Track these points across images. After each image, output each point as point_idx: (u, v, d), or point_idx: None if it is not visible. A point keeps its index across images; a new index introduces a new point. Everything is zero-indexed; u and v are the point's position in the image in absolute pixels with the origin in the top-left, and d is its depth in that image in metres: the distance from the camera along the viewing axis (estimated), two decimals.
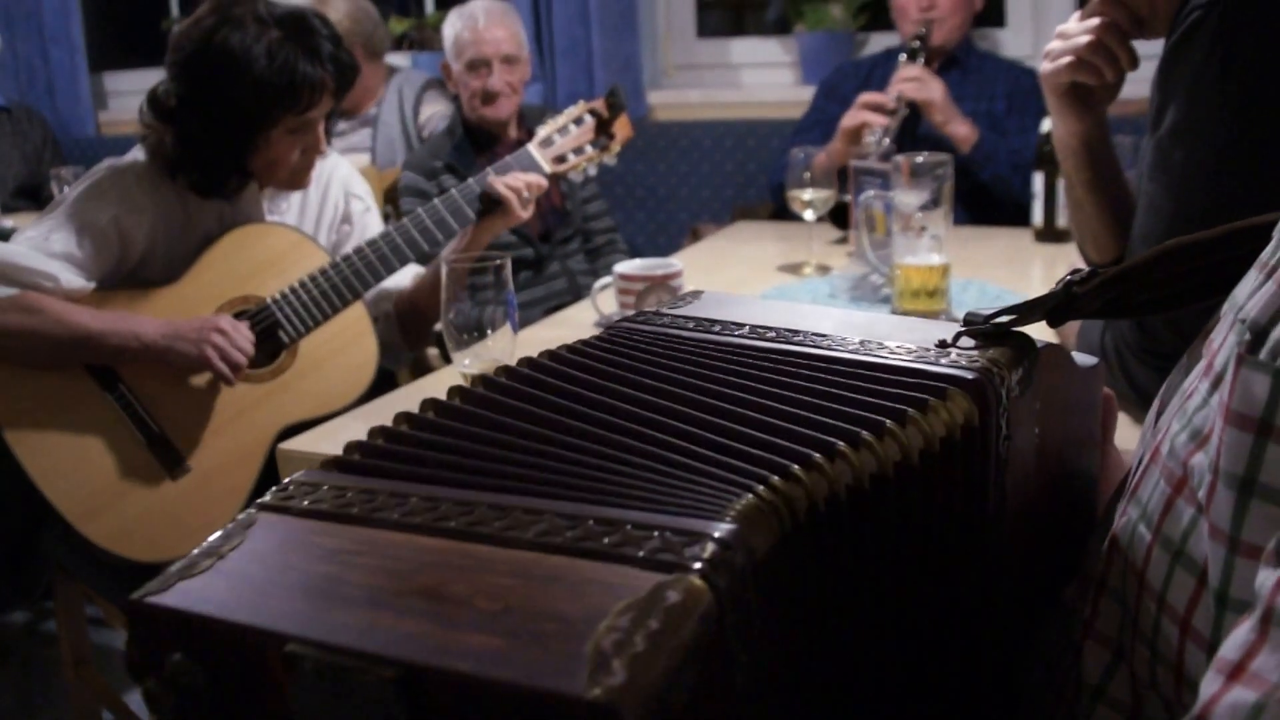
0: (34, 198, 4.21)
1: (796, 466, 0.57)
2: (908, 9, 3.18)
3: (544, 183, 2.17)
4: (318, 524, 0.57)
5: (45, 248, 1.89)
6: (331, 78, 1.96)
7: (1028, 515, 0.74)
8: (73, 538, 1.90)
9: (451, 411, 0.67)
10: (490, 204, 2.13)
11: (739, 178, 3.89)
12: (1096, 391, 0.90)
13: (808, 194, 2.40)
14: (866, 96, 2.89)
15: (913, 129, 2.96)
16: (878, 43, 3.75)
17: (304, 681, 0.49)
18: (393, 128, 3.57)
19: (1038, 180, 2.58)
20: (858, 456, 0.59)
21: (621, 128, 2.26)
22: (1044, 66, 1.60)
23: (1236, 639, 0.50)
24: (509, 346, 1.60)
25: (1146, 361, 1.41)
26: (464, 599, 0.49)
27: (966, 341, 0.73)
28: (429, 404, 0.68)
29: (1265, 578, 0.51)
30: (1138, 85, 1.55)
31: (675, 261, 2.03)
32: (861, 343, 0.73)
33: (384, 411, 1.69)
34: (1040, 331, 0.73)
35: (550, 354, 0.73)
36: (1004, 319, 0.75)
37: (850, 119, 2.86)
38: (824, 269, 2.40)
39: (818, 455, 0.58)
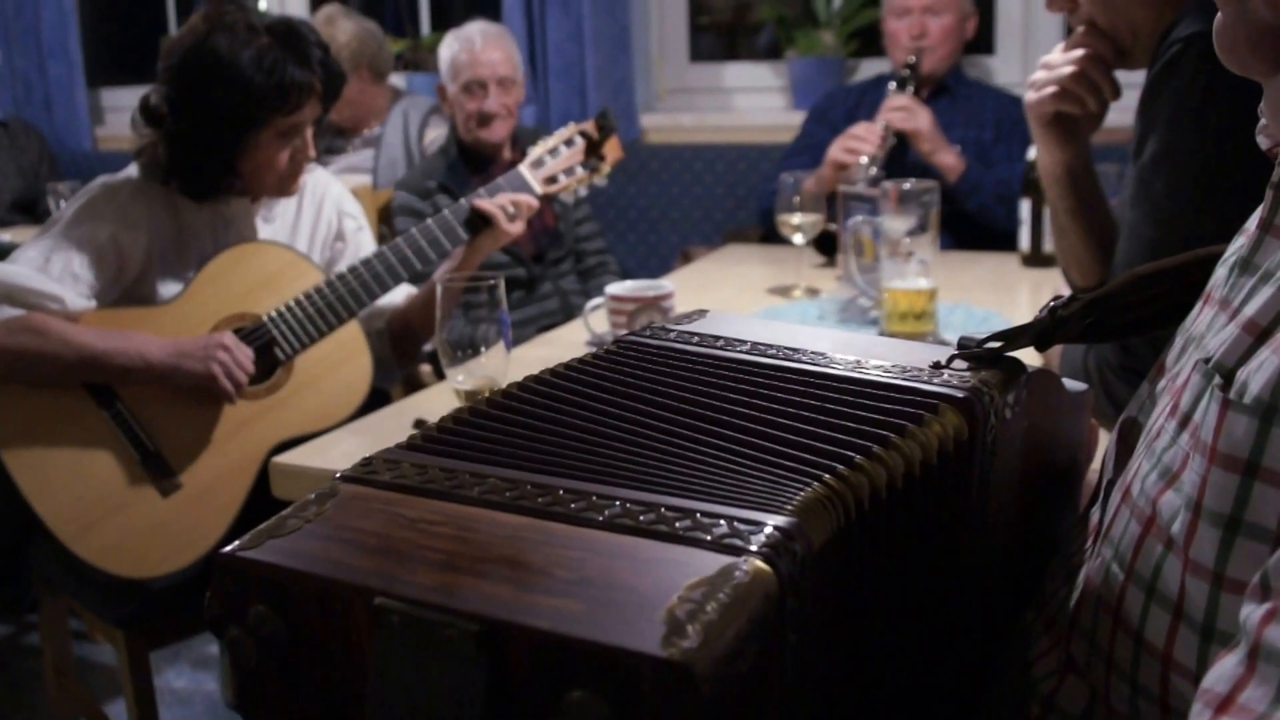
0: (30, 212, 4.23)
1: (852, 460, 0.61)
2: (899, 37, 3.22)
3: (534, 202, 2.19)
4: (399, 496, 0.61)
5: (46, 268, 1.91)
6: (319, 81, 2.00)
7: (1007, 531, 0.77)
8: (60, 553, 1.92)
9: (523, 400, 0.72)
10: (480, 223, 2.16)
11: (730, 201, 3.92)
12: (1084, 416, 0.93)
13: (796, 218, 2.43)
14: (854, 129, 2.93)
15: (900, 157, 3.00)
16: (868, 69, 3.79)
17: (389, 634, 0.52)
18: (395, 149, 3.60)
19: (1024, 206, 2.62)
20: (887, 459, 0.63)
21: (612, 149, 2.29)
22: (1028, 96, 1.64)
23: (1223, 672, 0.52)
24: (502, 364, 1.62)
25: (1128, 380, 1.44)
26: (541, 568, 0.53)
27: (960, 364, 0.76)
28: (506, 390, 0.73)
29: (1250, 611, 0.53)
30: (1122, 114, 1.59)
31: (666, 283, 2.05)
32: (859, 361, 0.76)
33: (377, 427, 1.72)
34: (1028, 356, 0.76)
35: (574, 363, 0.77)
36: (995, 343, 0.78)
37: (836, 152, 2.90)
38: (813, 292, 2.43)
39: (858, 456, 0.62)
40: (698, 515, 0.56)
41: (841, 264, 2.29)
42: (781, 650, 0.53)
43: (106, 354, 1.88)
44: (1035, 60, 3.55)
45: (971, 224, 2.98)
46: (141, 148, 2.02)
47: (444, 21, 4.53)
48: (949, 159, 2.97)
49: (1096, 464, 0.95)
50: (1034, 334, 0.81)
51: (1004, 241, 2.82)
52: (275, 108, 1.95)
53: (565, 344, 2.13)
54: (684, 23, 4.14)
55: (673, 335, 0.83)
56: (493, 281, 1.62)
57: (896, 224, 1.95)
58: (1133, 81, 1.53)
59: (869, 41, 3.61)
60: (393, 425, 1.69)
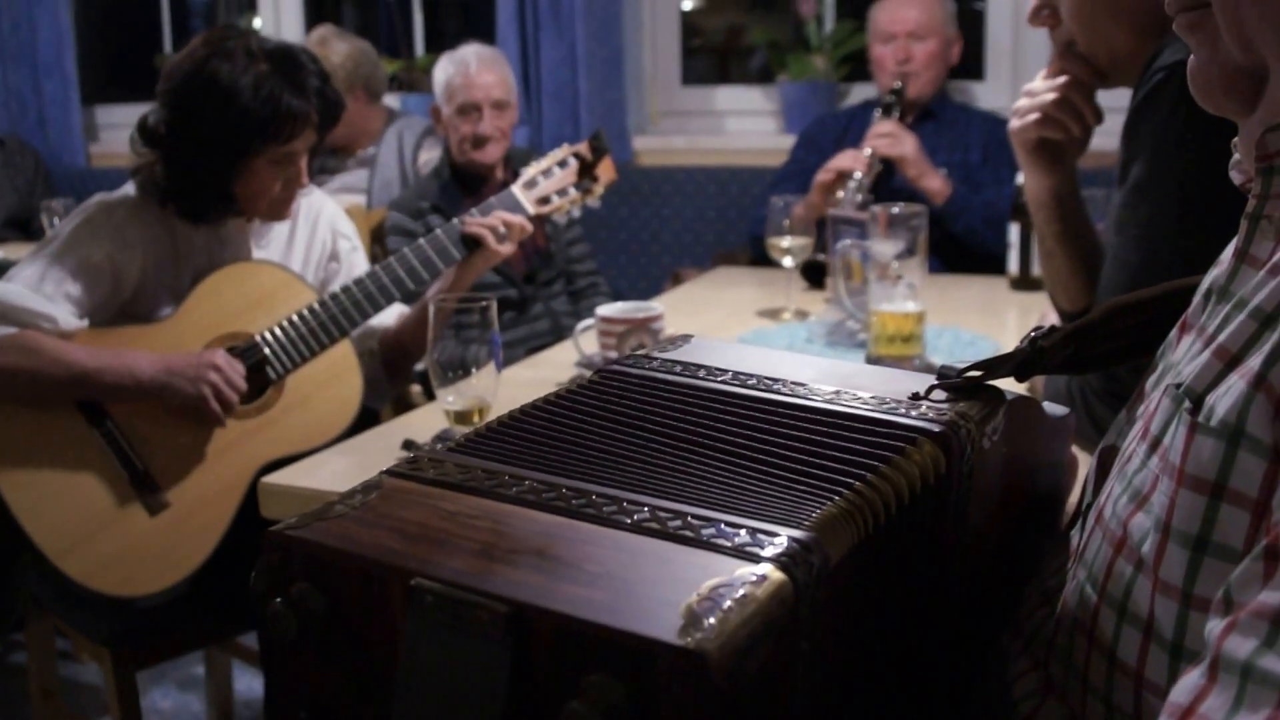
0: (24, 229, 4.24)
1: (857, 484, 0.64)
2: (884, 63, 3.26)
3: (525, 223, 2.20)
4: (441, 491, 0.65)
5: (41, 287, 1.92)
6: (315, 111, 2.01)
7: (986, 553, 0.78)
8: (48, 571, 1.92)
9: (552, 412, 0.76)
10: (472, 244, 2.17)
11: (720, 224, 3.94)
12: (1065, 440, 0.94)
13: (786, 241, 2.45)
14: (840, 157, 2.96)
15: (887, 182, 3.03)
16: (859, 93, 3.82)
17: (422, 613, 0.56)
18: (390, 169, 3.62)
19: (1013, 230, 2.64)
20: (893, 482, 0.66)
21: (605, 171, 2.30)
22: (1012, 124, 1.66)
23: (1187, 684, 0.54)
24: (493, 385, 1.63)
25: (1110, 404, 1.45)
26: (570, 561, 0.57)
27: (939, 394, 0.77)
28: (539, 403, 0.77)
29: (1213, 626, 0.55)
30: (1109, 139, 1.60)
31: (656, 305, 2.07)
32: (838, 392, 0.77)
33: (366, 447, 1.72)
34: (1011, 380, 0.78)
35: (581, 386, 0.81)
36: (975, 373, 0.79)
37: (825, 174, 2.92)
38: (802, 314, 2.44)
39: (857, 482, 0.65)
40: (721, 524, 0.60)
41: (830, 287, 2.31)
42: (794, 656, 0.56)
43: (97, 371, 1.89)
44: (1024, 85, 3.60)
45: (959, 247, 3.01)
46: (139, 166, 2.04)
47: (438, 42, 4.55)
48: (935, 183, 3.00)
49: (1078, 488, 0.97)
50: (1014, 364, 0.82)
51: (992, 264, 2.84)
52: (270, 136, 1.96)
53: (555, 365, 2.14)
54: (676, 46, 4.17)
55: (656, 364, 0.84)
56: (484, 303, 1.63)
57: (885, 247, 1.97)
58: (1117, 106, 1.55)
59: (860, 66, 3.64)
60: (382, 446, 1.70)
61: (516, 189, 2.25)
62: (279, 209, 2.10)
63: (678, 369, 0.83)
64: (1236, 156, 0.74)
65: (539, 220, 2.29)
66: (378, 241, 3.12)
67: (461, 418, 1.62)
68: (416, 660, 0.56)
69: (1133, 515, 0.67)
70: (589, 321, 2.06)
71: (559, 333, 2.92)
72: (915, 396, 0.77)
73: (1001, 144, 3.16)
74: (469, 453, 0.71)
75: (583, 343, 2.06)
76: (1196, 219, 1.36)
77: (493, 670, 0.54)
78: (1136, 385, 1.42)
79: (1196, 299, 0.76)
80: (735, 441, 0.71)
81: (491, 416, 1.61)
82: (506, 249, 2.19)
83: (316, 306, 2.05)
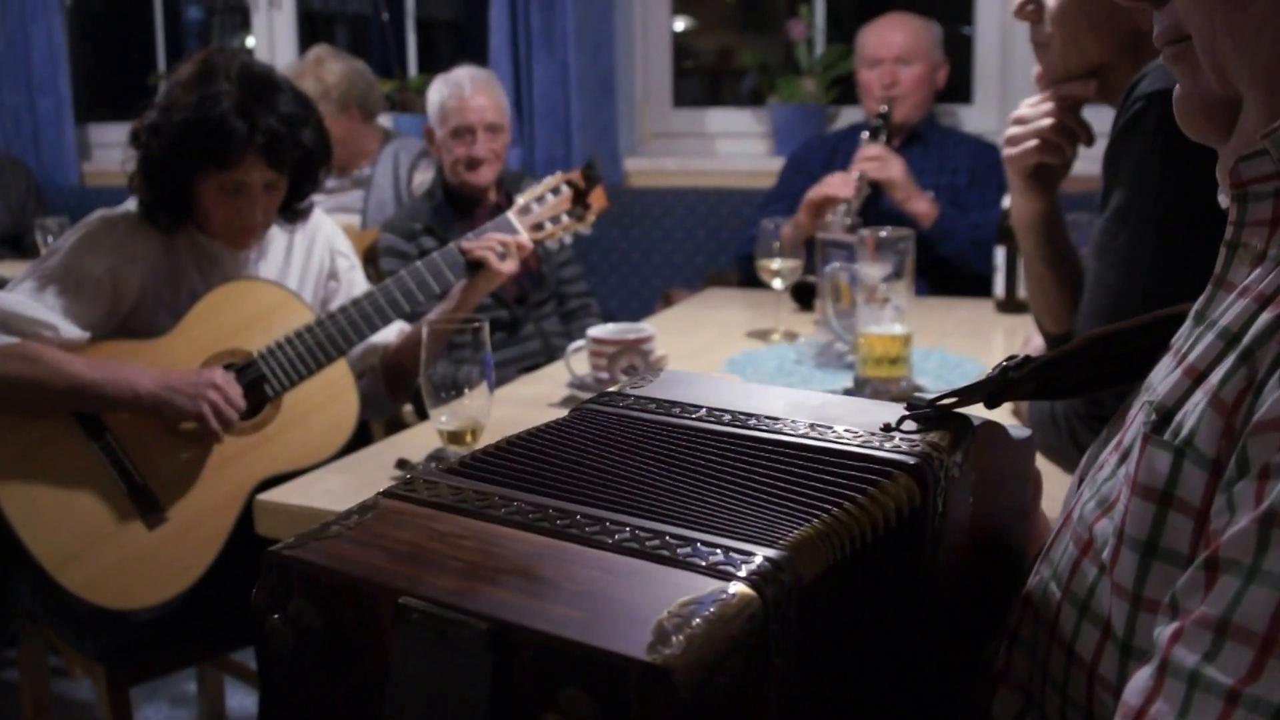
0: (16, 247, 4.25)
1: (834, 510, 0.66)
2: (871, 87, 3.30)
3: (525, 241, 2.24)
4: (433, 512, 0.68)
5: (42, 298, 1.94)
6: (261, 145, 1.99)
7: (959, 575, 0.81)
8: (44, 584, 1.93)
9: (544, 438, 0.78)
10: (474, 266, 2.20)
11: (711, 245, 3.97)
12: (1029, 461, 0.97)
13: (776, 263, 2.48)
14: (828, 180, 2.99)
15: (875, 205, 3.07)
16: (848, 116, 3.86)
17: (409, 630, 0.58)
18: (385, 190, 3.64)
19: (999, 254, 2.68)
20: (868, 509, 0.68)
21: (597, 199, 2.34)
22: (1008, 151, 1.67)
23: (1137, 685, 0.58)
24: (485, 405, 1.65)
25: (1093, 428, 1.47)
26: (552, 581, 0.60)
27: (910, 424, 0.80)
28: (535, 429, 0.80)
29: (1161, 630, 0.58)
30: (1092, 164, 1.63)
31: (646, 326, 2.09)
32: (812, 425, 0.79)
33: (361, 466, 1.74)
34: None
35: (556, 422, 0.83)
36: (945, 401, 0.82)
37: (814, 192, 2.96)
38: (791, 336, 2.47)
39: (835, 509, 0.67)
40: (698, 544, 0.62)
41: (819, 309, 2.34)
42: (765, 671, 0.58)
43: (96, 383, 1.91)
44: (1013, 109, 3.63)
45: (947, 270, 3.04)
46: (131, 175, 2.07)
47: (431, 63, 4.59)
48: (922, 206, 3.03)
49: (1045, 502, 1.00)
50: (985, 392, 0.85)
51: (980, 287, 2.87)
52: (205, 155, 1.98)
53: (548, 383, 2.16)
54: (668, 68, 4.20)
55: (630, 402, 0.86)
56: (477, 324, 1.66)
57: (873, 270, 2.00)
58: (1105, 131, 1.58)
59: (849, 89, 3.67)
60: (376, 465, 1.72)
61: (511, 215, 2.29)
62: (235, 236, 2.10)
63: (652, 407, 0.85)
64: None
65: (533, 244, 2.32)
66: (370, 263, 3.15)
67: (454, 437, 1.64)
68: (404, 675, 0.59)
69: (1098, 520, 0.71)
70: (580, 343, 2.08)
71: (550, 352, 2.95)
72: (887, 428, 0.79)
73: (988, 167, 3.20)
74: (463, 475, 0.73)
75: (574, 364, 2.09)
76: (1176, 246, 1.38)
77: (475, 685, 0.56)
78: (1118, 408, 1.45)
79: (1186, 323, 0.79)
80: (716, 469, 0.73)
81: (484, 436, 1.64)
82: (509, 267, 2.22)
83: (314, 325, 2.08)
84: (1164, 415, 0.67)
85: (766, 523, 0.65)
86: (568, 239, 2.36)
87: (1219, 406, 0.62)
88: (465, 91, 2.99)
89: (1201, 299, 0.75)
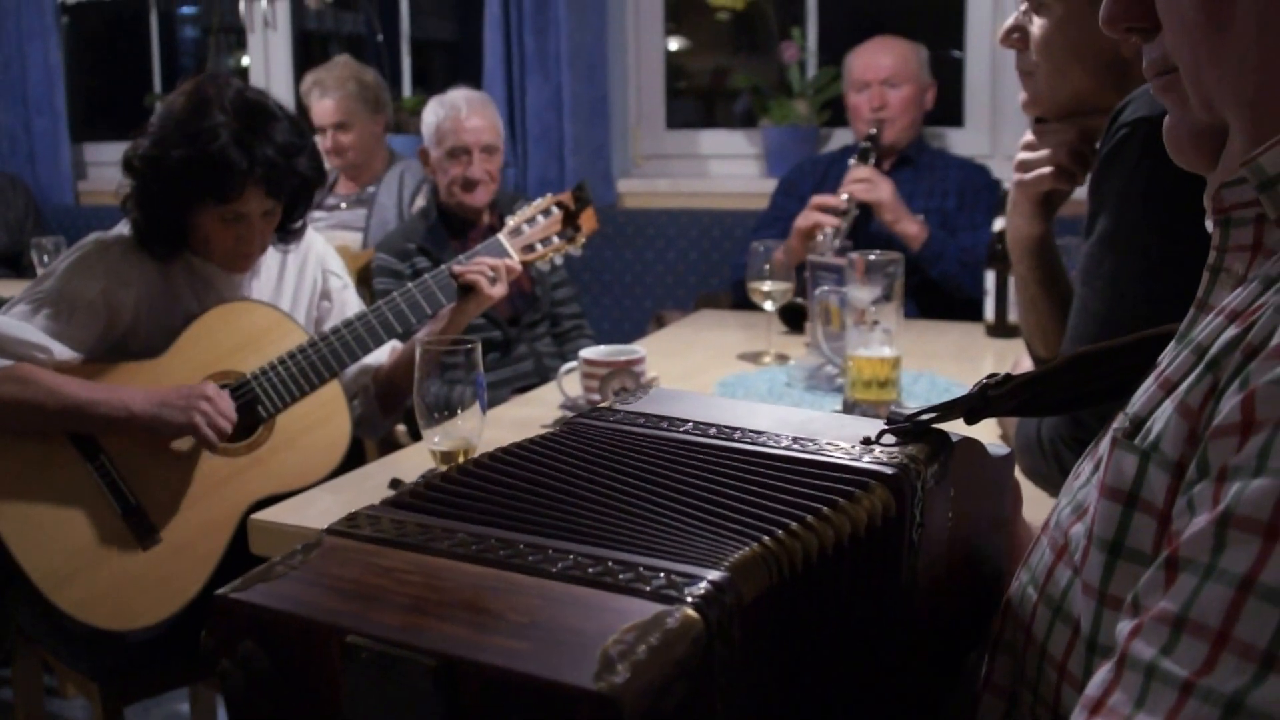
0: (14, 265, 4.27)
1: (778, 532, 0.67)
2: (860, 110, 3.33)
3: (515, 265, 2.26)
4: (377, 548, 0.68)
5: (36, 321, 1.96)
6: (261, 177, 2.00)
7: (940, 588, 0.83)
8: (39, 603, 1.94)
9: (495, 465, 0.79)
10: (465, 288, 2.22)
11: (703, 266, 3.99)
12: (1008, 478, 0.99)
13: (767, 286, 2.50)
14: (817, 199, 3.01)
15: (865, 227, 3.09)
16: (840, 138, 3.89)
17: (358, 668, 0.59)
18: (388, 210, 3.68)
19: (989, 278, 2.69)
20: (815, 531, 0.69)
21: (588, 220, 2.36)
22: (1020, 176, 1.68)
23: (1098, 679, 0.60)
24: (477, 425, 1.67)
25: (1076, 450, 1.49)
26: (498, 613, 0.60)
27: (890, 438, 0.82)
28: (479, 458, 0.80)
29: (1123, 626, 0.61)
30: (1080, 189, 1.65)
31: (638, 348, 2.11)
32: (795, 439, 0.81)
33: (354, 486, 1.76)
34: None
35: (536, 439, 0.83)
36: (925, 417, 0.84)
37: (803, 220, 2.98)
38: (782, 358, 2.49)
39: (794, 524, 0.68)
40: (640, 568, 0.63)
41: (809, 332, 2.36)
42: (711, 690, 0.59)
43: (90, 403, 1.92)
44: (1003, 132, 3.66)
45: (937, 292, 3.06)
46: (125, 199, 2.08)
47: (425, 83, 4.62)
48: (912, 228, 3.06)
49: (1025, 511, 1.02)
50: (965, 409, 0.87)
51: (970, 309, 2.89)
52: (207, 189, 1.99)
53: (540, 404, 2.18)
54: (661, 90, 4.24)
55: (620, 416, 0.88)
56: (469, 345, 1.68)
57: (862, 293, 2.01)
58: None
59: (841, 111, 3.70)
60: (369, 485, 1.74)
61: (502, 236, 2.31)
62: (234, 262, 2.12)
63: (641, 421, 0.87)
64: None
65: (524, 266, 2.35)
66: (365, 282, 3.16)
67: (447, 458, 1.66)
68: (355, 713, 0.60)
69: (1073, 525, 0.73)
70: (573, 364, 2.10)
71: (543, 373, 2.96)
72: (867, 441, 0.81)
73: (977, 190, 3.23)
74: (406, 508, 0.73)
75: (566, 385, 2.10)
76: (1160, 271, 1.40)
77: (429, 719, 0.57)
78: (1102, 431, 1.47)
79: (1170, 345, 0.81)
80: (675, 488, 0.74)
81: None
82: (499, 291, 2.25)
83: (307, 347, 2.09)
84: (1136, 423, 0.69)
85: (712, 544, 0.66)
86: (558, 260, 2.39)
87: (1185, 412, 0.65)
88: (461, 113, 3.02)
89: (1185, 322, 0.78)
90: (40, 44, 4.73)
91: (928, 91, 3.41)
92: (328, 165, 3.40)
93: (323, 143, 3.72)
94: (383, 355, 2.32)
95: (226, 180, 1.98)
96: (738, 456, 0.79)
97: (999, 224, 2.62)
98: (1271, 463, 0.56)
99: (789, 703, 0.70)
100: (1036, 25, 1.61)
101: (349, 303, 2.33)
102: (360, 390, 2.31)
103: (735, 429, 0.84)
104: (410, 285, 2.22)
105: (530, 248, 2.32)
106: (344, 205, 3.80)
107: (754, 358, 2.52)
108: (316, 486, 1.83)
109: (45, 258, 3.55)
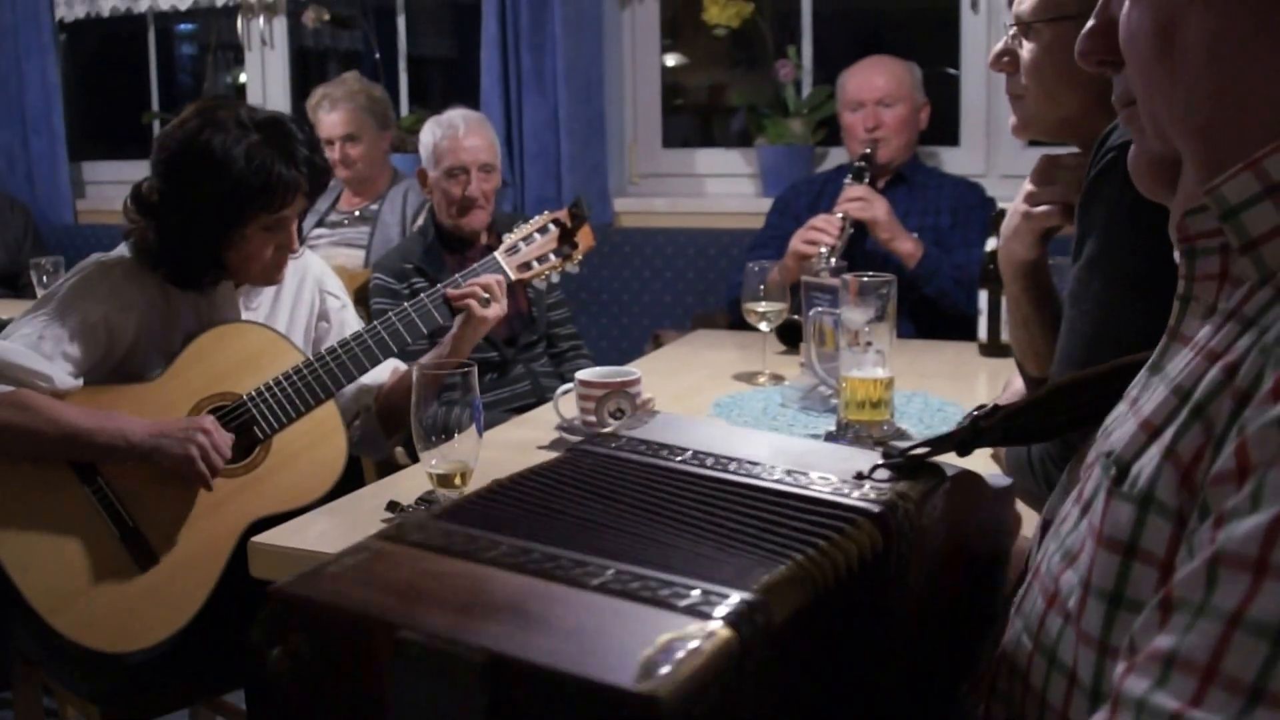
0: (12, 285, 4.27)
1: (817, 544, 0.71)
2: (855, 129, 3.35)
3: (500, 279, 2.27)
4: (425, 553, 0.72)
5: (38, 346, 1.97)
6: (305, 179, 2.07)
7: (935, 619, 0.84)
8: (37, 628, 1.95)
9: (527, 485, 0.83)
10: (458, 312, 2.24)
11: (700, 285, 4.01)
12: (1008, 508, 1.01)
13: (762, 306, 2.52)
14: (814, 221, 3.03)
15: (860, 245, 3.11)
16: (836, 157, 3.90)
17: (408, 663, 0.62)
18: (391, 228, 3.69)
19: (982, 297, 2.71)
20: (829, 556, 0.72)
21: (584, 237, 2.37)
22: (1028, 209, 1.67)
23: (1094, 718, 0.61)
24: (474, 448, 1.68)
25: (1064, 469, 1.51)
26: (542, 617, 0.64)
27: (883, 473, 0.83)
28: (511, 479, 0.84)
29: (1120, 668, 0.62)
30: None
31: (634, 370, 2.12)
32: (788, 471, 0.83)
33: (353, 508, 1.77)
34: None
35: (547, 466, 0.86)
36: (918, 451, 0.86)
37: (799, 243, 3.00)
38: (777, 378, 2.50)
39: (811, 550, 0.71)
40: (678, 585, 0.66)
41: (804, 352, 2.37)
42: (741, 702, 0.62)
43: (89, 432, 1.94)
44: (998, 151, 3.68)
45: (932, 309, 3.08)
46: (131, 230, 2.09)
47: (423, 101, 4.64)
48: (907, 245, 3.08)
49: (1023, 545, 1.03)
50: (956, 441, 0.88)
51: (964, 326, 2.90)
52: (261, 205, 2.03)
53: (537, 425, 2.19)
54: (657, 109, 4.26)
55: (623, 443, 0.90)
56: (466, 369, 1.69)
57: (856, 315, 2.03)
58: None
59: (837, 129, 3.72)
60: (368, 507, 1.75)
61: (499, 255, 2.33)
62: (271, 274, 2.16)
63: (642, 448, 0.89)
64: None
65: (522, 285, 2.36)
66: (361, 302, 3.18)
67: (444, 480, 1.67)
68: (403, 707, 0.62)
69: (1064, 572, 0.74)
70: (569, 386, 2.11)
71: (540, 393, 2.97)
72: (860, 476, 0.82)
73: (970, 208, 3.25)
74: (451, 519, 0.77)
75: (562, 407, 2.12)
76: (1147, 294, 1.41)
77: (471, 715, 0.60)
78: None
79: (1141, 372, 0.82)
80: (694, 514, 0.77)
81: (473, 479, 1.67)
82: (493, 313, 2.26)
83: (303, 367, 2.11)
84: (1122, 468, 0.71)
85: (740, 566, 0.69)
86: (555, 278, 2.40)
87: (1175, 461, 0.66)
88: (459, 132, 3.03)
89: (1157, 350, 0.79)
90: (38, 63, 4.75)
91: (922, 111, 3.43)
92: (334, 178, 3.42)
93: (330, 155, 3.73)
94: (384, 375, 2.33)
95: (279, 191, 2.03)
96: (732, 488, 0.81)
97: (991, 243, 2.64)
98: (1263, 502, 0.57)
99: (811, 714, 0.73)
100: (1026, 50, 1.63)
101: (347, 323, 2.35)
102: (362, 410, 2.32)
103: (731, 459, 0.86)
104: (406, 305, 2.23)
105: (527, 265, 2.33)
106: (347, 222, 3.82)
107: (749, 378, 2.53)
108: (316, 509, 1.84)
109: (45, 278, 3.56)
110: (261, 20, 4.69)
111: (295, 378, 2.10)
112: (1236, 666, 0.55)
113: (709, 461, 0.86)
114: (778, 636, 0.65)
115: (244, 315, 2.21)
